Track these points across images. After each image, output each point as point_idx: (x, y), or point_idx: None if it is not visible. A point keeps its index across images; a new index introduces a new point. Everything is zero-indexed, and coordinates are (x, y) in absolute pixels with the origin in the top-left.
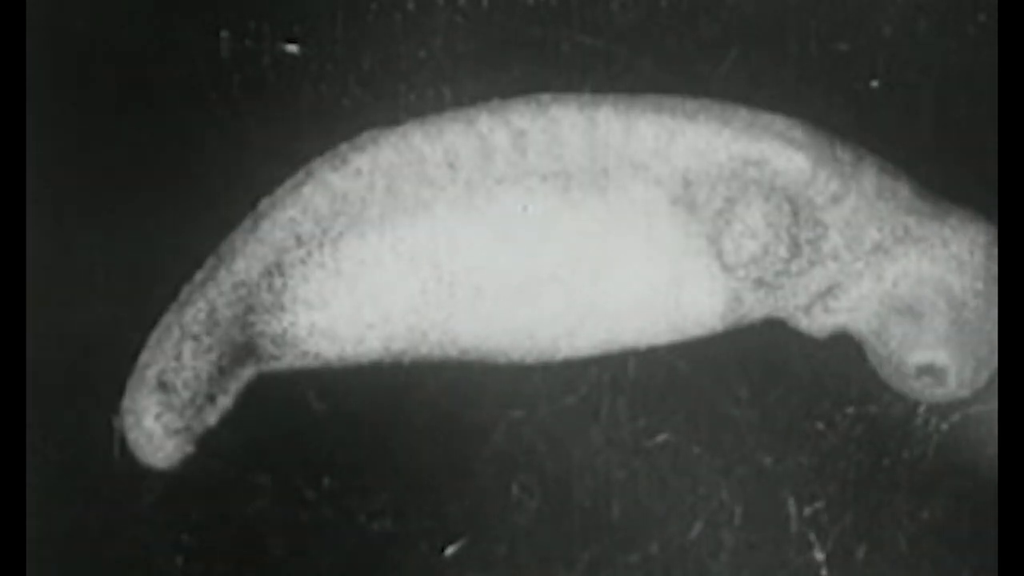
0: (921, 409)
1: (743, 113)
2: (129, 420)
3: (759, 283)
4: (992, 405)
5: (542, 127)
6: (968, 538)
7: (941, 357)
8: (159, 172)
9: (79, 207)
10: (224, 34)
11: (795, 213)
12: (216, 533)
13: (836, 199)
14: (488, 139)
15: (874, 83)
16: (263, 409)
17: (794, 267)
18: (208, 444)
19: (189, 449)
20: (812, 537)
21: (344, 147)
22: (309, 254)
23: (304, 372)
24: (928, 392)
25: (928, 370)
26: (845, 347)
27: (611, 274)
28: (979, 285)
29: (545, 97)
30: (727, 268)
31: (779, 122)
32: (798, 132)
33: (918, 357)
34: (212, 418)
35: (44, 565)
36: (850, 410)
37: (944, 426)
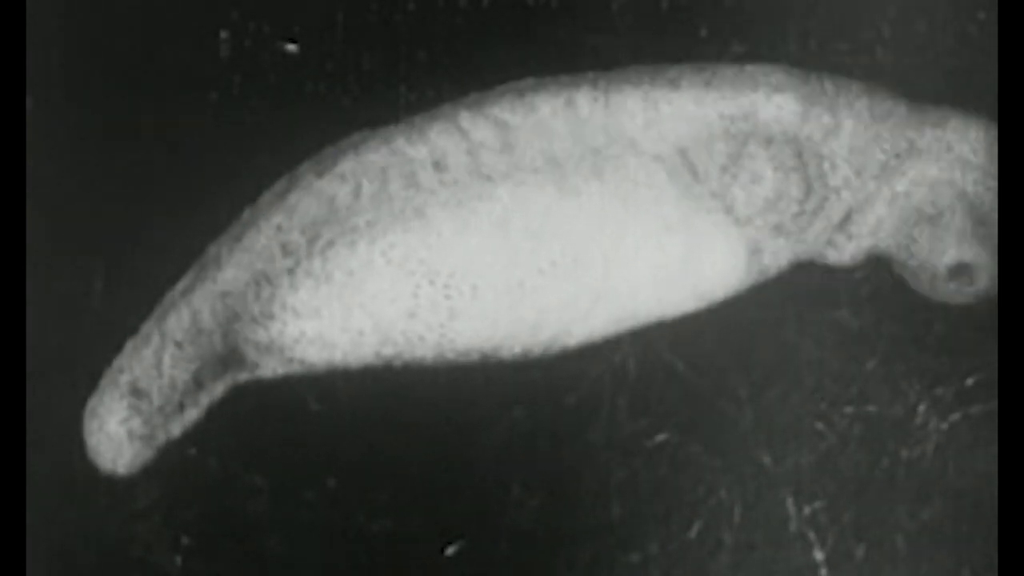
0: (920, 409)
1: (723, 70)
2: (92, 424)
3: (778, 229)
4: (991, 405)
5: (523, 117)
6: (967, 538)
7: (968, 253)
8: (159, 171)
9: (79, 206)
10: (224, 34)
11: (798, 153)
12: (215, 534)
13: (833, 130)
14: (471, 135)
15: (876, 78)
16: (262, 410)
17: (809, 205)
18: (207, 445)
19: (148, 456)
20: (811, 536)
21: (328, 151)
22: (297, 263)
23: (303, 375)
24: (965, 292)
25: (960, 270)
26: (845, 346)
27: (622, 253)
28: (989, 181)
29: (523, 84)
30: (741, 221)
31: (760, 71)
32: (781, 76)
33: (948, 258)
34: (177, 429)
35: (44, 565)
36: (849, 410)
37: (943, 426)
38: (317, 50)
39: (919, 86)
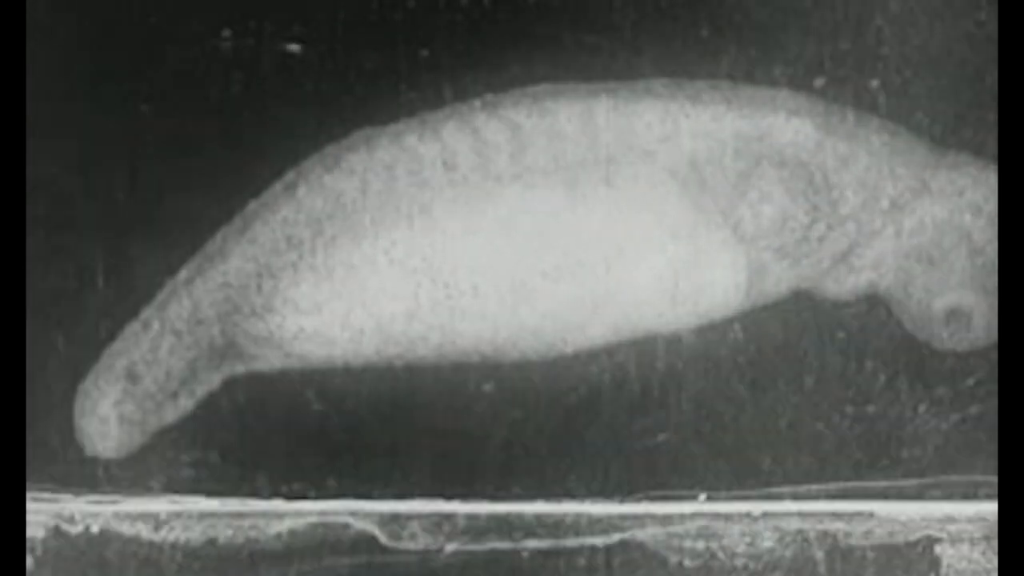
0: (921, 409)
1: (745, 90)
2: (84, 405)
3: (781, 252)
4: (991, 406)
5: (538, 120)
6: None
7: (966, 299)
8: (158, 171)
9: (79, 206)
10: (225, 33)
11: (809, 179)
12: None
13: (846, 161)
14: (483, 136)
15: (873, 82)
16: (263, 409)
17: (814, 232)
18: (207, 442)
19: (139, 441)
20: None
21: (336, 146)
22: (300, 257)
23: (303, 372)
24: (957, 338)
25: (954, 315)
26: (846, 346)
27: (625, 262)
28: (995, 230)
29: (539, 89)
30: (746, 239)
31: (781, 94)
32: (801, 101)
33: (944, 302)
34: (170, 416)
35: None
36: (849, 410)
37: (943, 426)
38: (318, 49)
39: (920, 86)
